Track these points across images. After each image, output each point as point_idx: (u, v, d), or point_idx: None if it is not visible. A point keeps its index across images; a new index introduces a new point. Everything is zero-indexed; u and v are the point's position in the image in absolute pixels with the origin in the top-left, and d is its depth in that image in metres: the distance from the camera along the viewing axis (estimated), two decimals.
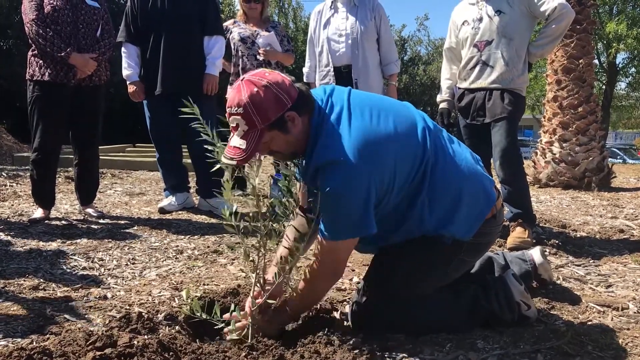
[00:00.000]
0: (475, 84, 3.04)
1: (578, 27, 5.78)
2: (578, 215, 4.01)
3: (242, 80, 1.54)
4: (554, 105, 6.00)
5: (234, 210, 1.63)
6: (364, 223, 1.56)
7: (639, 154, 19.95)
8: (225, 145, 1.59)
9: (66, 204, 4.05)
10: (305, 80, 3.91)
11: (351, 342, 1.59)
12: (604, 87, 18.83)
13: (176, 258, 2.72)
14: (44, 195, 3.47)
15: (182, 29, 3.58)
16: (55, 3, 3.25)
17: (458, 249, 1.73)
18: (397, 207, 1.66)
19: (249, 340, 1.60)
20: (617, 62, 19.19)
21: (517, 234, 2.88)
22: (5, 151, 8.23)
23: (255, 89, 1.50)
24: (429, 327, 1.75)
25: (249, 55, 4.17)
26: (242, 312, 1.70)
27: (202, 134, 1.64)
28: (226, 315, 1.70)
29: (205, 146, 1.65)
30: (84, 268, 2.52)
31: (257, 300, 1.68)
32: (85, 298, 2.09)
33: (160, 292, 2.16)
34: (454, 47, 3.18)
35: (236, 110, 1.51)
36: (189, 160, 3.89)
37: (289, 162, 1.76)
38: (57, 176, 3.83)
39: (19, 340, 1.68)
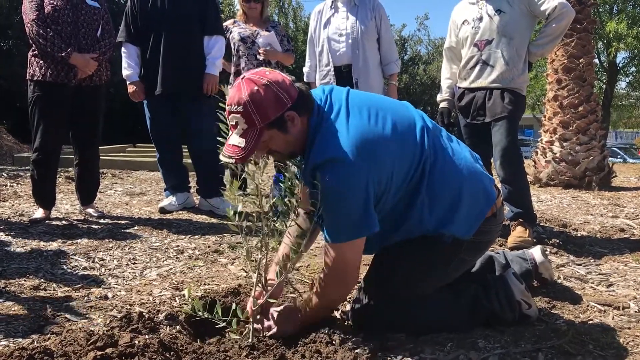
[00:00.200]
0: (475, 84, 3.04)
1: (578, 26, 5.78)
2: (579, 214, 4.01)
3: (242, 78, 1.54)
4: (555, 105, 5.99)
5: (238, 209, 1.63)
6: (365, 222, 1.55)
7: (639, 153, 19.94)
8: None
9: (67, 204, 4.05)
10: (305, 80, 3.91)
11: (352, 341, 1.59)
12: (604, 86, 18.82)
13: (177, 258, 2.72)
14: (45, 196, 3.47)
15: (182, 28, 3.58)
16: (55, 3, 3.25)
17: (458, 248, 1.73)
18: (396, 207, 1.66)
19: (250, 340, 1.60)
20: (618, 62, 19.20)
21: (518, 233, 2.88)
22: (6, 151, 8.23)
23: (256, 88, 1.50)
24: (429, 327, 1.75)
25: (249, 55, 4.17)
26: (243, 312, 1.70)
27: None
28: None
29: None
30: (85, 268, 2.52)
31: (258, 301, 1.68)
32: (86, 298, 2.09)
33: (161, 292, 2.16)
34: (454, 46, 3.18)
35: (236, 109, 1.51)
36: (190, 160, 3.89)
37: (289, 162, 1.75)
38: (57, 176, 3.83)
39: (20, 340, 1.68)
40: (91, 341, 1.44)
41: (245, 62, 4.17)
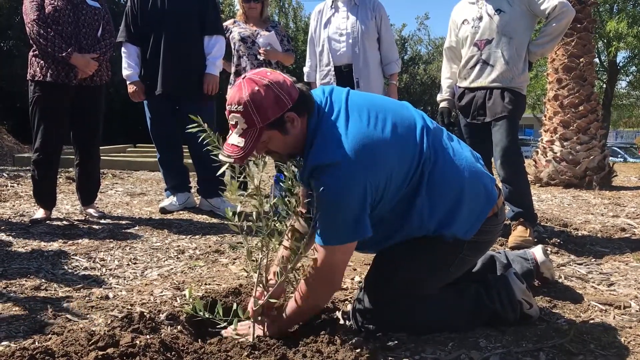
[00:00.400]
0: (475, 83, 3.03)
1: (579, 25, 5.78)
2: (579, 214, 4.01)
3: (243, 78, 1.54)
4: (555, 104, 5.99)
5: (237, 210, 1.63)
6: (358, 227, 1.56)
7: (639, 153, 19.94)
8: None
9: (67, 204, 4.05)
10: (305, 79, 3.91)
11: (353, 341, 1.59)
12: (604, 85, 18.80)
13: (177, 258, 2.72)
14: (45, 196, 3.47)
15: (182, 28, 3.58)
16: (56, 3, 3.25)
17: (459, 248, 1.73)
18: (396, 208, 1.66)
19: (251, 340, 1.60)
20: (618, 61, 19.18)
21: (519, 232, 2.88)
22: (6, 152, 8.24)
23: (257, 88, 1.50)
24: (430, 327, 1.75)
25: (249, 55, 4.17)
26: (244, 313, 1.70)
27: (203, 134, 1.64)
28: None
29: (208, 148, 1.65)
30: (86, 268, 2.52)
31: (259, 301, 1.68)
32: (87, 298, 2.09)
33: (161, 292, 2.16)
34: (454, 46, 3.18)
35: (236, 108, 1.51)
36: (190, 160, 3.89)
37: (289, 163, 1.75)
38: (58, 176, 3.83)
39: (21, 340, 1.68)
40: (92, 341, 1.44)
41: (245, 62, 4.17)
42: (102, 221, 3.49)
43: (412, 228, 1.69)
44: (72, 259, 2.65)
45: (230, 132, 1.56)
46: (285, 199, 1.67)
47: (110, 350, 1.39)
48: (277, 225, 1.66)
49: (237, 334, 1.65)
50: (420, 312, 1.75)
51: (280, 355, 1.50)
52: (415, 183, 1.65)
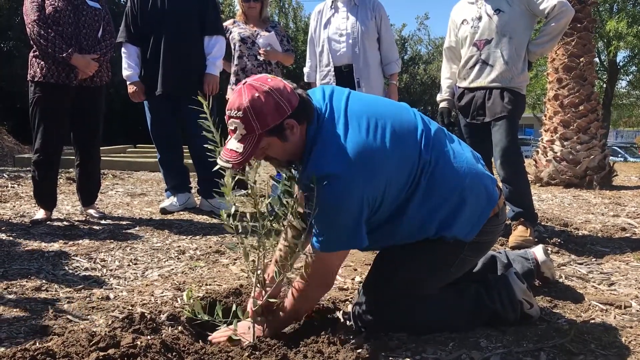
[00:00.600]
0: (474, 83, 3.03)
1: (579, 25, 5.78)
2: (580, 213, 4.01)
3: (243, 84, 1.54)
4: (555, 104, 5.99)
5: (232, 211, 1.63)
6: (354, 237, 1.58)
7: (639, 152, 19.93)
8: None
9: (68, 205, 4.05)
10: (305, 80, 3.91)
11: (354, 341, 1.59)
12: (604, 85, 18.81)
13: (178, 258, 2.72)
14: (46, 197, 3.47)
15: (182, 29, 3.58)
16: (56, 4, 3.25)
17: (460, 249, 1.73)
18: (397, 211, 1.66)
19: (252, 340, 1.60)
20: (618, 61, 19.19)
21: (519, 232, 2.88)
22: (7, 152, 8.24)
23: (257, 94, 1.50)
24: (430, 327, 1.75)
25: (249, 55, 4.17)
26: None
27: (203, 134, 1.64)
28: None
29: (206, 145, 1.65)
30: (86, 269, 2.52)
31: (258, 301, 1.68)
32: (87, 299, 2.10)
33: (162, 293, 2.16)
34: (454, 46, 3.18)
35: (235, 114, 1.51)
36: (190, 161, 3.89)
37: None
38: (58, 177, 3.83)
39: (22, 341, 1.68)
40: (93, 342, 1.44)
41: (246, 63, 4.17)
42: (103, 222, 3.49)
43: (412, 230, 1.69)
44: (73, 259, 2.65)
45: (229, 137, 1.56)
46: (283, 200, 1.68)
47: (111, 351, 1.39)
48: (273, 225, 1.66)
49: (237, 334, 1.66)
50: (421, 312, 1.75)
51: (281, 355, 1.50)
52: (416, 186, 1.65)
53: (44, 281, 2.30)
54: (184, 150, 4.02)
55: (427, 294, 1.78)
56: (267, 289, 1.70)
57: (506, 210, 2.39)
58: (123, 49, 3.66)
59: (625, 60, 19.92)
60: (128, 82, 3.65)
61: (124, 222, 3.52)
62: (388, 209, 1.64)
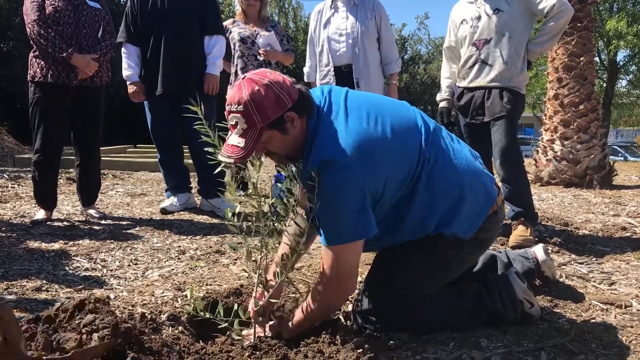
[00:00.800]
0: (474, 83, 3.03)
1: (579, 24, 5.78)
2: (580, 213, 4.01)
3: (243, 78, 1.54)
4: (555, 103, 5.99)
5: (236, 210, 1.63)
6: (361, 224, 1.55)
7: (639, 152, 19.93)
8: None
9: (68, 205, 4.05)
10: (305, 79, 3.91)
11: (354, 341, 1.59)
12: (604, 84, 18.81)
13: (178, 258, 2.72)
14: (46, 197, 3.47)
15: (182, 29, 3.58)
16: (56, 4, 3.25)
17: (460, 247, 1.73)
18: (397, 207, 1.66)
19: (252, 340, 1.60)
20: (618, 60, 19.19)
21: (519, 232, 2.88)
22: (7, 153, 8.24)
23: (257, 88, 1.50)
24: (430, 327, 1.75)
25: (249, 55, 4.17)
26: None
27: (202, 134, 1.64)
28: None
29: (206, 149, 1.65)
30: (87, 269, 2.52)
31: (259, 301, 1.68)
32: None
33: (163, 293, 2.16)
34: (453, 45, 3.18)
35: (236, 108, 1.50)
36: (191, 161, 3.89)
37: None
38: (58, 177, 3.83)
39: None
40: None
41: (245, 63, 4.17)
42: (103, 222, 3.49)
43: (412, 227, 1.69)
44: (73, 259, 2.65)
45: (230, 132, 1.56)
46: (284, 199, 1.67)
47: None
48: (275, 225, 1.66)
49: (239, 335, 1.65)
50: (421, 312, 1.75)
51: (282, 355, 1.50)
52: (415, 183, 1.65)
53: (44, 281, 2.30)
54: (184, 150, 4.02)
55: (428, 293, 1.78)
56: (269, 289, 1.69)
57: (505, 209, 2.39)
58: (123, 49, 3.66)
59: (626, 59, 19.93)
60: (128, 82, 3.65)
61: (124, 222, 3.52)
62: (388, 202, 1.64)
